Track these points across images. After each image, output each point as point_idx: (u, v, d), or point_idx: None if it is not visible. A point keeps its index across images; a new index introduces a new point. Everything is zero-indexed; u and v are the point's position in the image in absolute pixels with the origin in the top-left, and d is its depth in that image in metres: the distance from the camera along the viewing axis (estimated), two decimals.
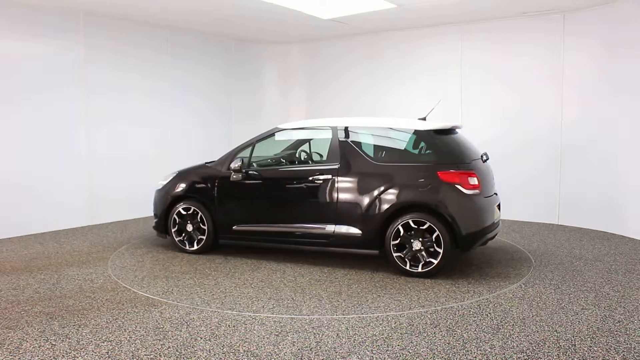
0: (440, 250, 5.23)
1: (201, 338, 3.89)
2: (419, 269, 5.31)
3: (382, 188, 5.47)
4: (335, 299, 4.75)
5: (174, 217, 6.43)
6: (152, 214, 6.80)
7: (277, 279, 5.41)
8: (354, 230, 5.58)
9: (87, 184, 8.15)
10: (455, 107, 8.84)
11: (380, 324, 4.15)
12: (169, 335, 3.95)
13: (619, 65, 7.26)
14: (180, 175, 6.60)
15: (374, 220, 5.47)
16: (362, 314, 4.39)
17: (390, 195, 5.43)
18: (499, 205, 5.89)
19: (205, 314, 4.38)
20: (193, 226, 6.37)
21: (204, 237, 6.31)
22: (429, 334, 3.96)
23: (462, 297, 4.79)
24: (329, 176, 5.71)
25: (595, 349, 3.67)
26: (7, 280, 5.35)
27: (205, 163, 6.67)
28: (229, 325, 4.14)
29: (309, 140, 6.75)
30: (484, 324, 4.15)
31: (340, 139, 5.82)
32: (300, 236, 5.84)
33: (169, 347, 3.73)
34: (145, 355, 3.61)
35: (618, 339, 3.84)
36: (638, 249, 6.56)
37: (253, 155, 6.22)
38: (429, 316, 4.32)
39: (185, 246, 6.43)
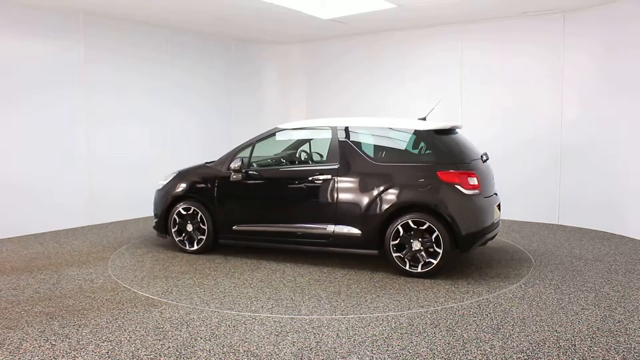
0: (440, 251, 5.23)
1: (201, 338, 3.89)
2: (419, 269, 5.31)
3: (381, 188, 5.47)
4: (334, 299, 4.75)
5: (174, 217, 6.43)
6: (152, 214, 6.80)
7: (276, 279, 5.41)
8: (354, 231, 5.58)
9: (87, 184, 8.15)
10: (455, 107, 8.84)
11: (380, 324, 4.15)
12: (169, 335, 3.95)
13: (619, 65, 7.26)
14: (181, 175, 6.60)
15: (374, 220, 5.47)
16: (362, 314, 4.39)
17: (390, 195, 5.43)
18: (499, 205, 5.89)
19: (205, 314, 4.38)
20: (193, 226, 6.37)
21: (204, 237, 6.31)
22: (429, 334, 3.96)
23: (461, 297, 4.79)
24: (329, 176, 5.71)
25: (595, 349, 3.67)
26: (7, 280, 5.35)
27: (205, 163, 6.67)
28: (228, 325, 4.14)
29: (309, 140, 6.75)
30: (484, 324, 4.15)
31: (340, 139, 5.82)
32: (300, 236, 5.85)
33: (169, 347, 3.73)
34: (145, 355, 3.61)
35: (618, 339, 3.84)
36: (638, 249, 6.56)
37: (253, 155, 6.22)
38: (428, 316, 4.32)
39: (185, 246, 6.43)
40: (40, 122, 7.54)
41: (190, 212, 6.35)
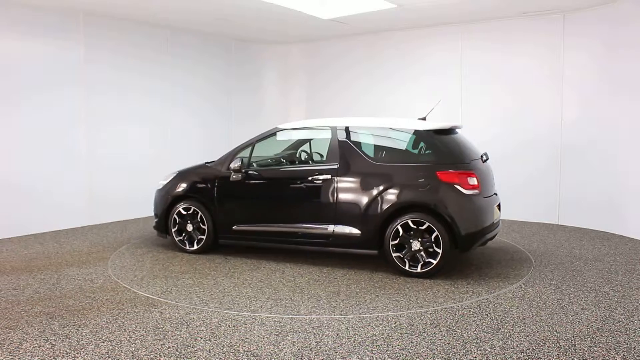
0: (440, 251, 5.23)
1: (201, 338, 3.89)
2: (418, 269, 5.31)
3: (381, 188, 5.47)
4: (334, 299, 4.75)
5: (174, 217, 6.43)
6: (152, 214, 6.80)
7: (276, 279, 5.41)
8: (354, 230, 5.58)
9: (87, 184, 8.15)
10: (455, 107, 8.84)
11: (380, 324, 4.15)
12: (169, 335, 3.95)
13: (619, 65, 7.26)
14: (181, 175, 6.60)
15: (374, 220, 5.47)
16: (361, 314, 4.39)
17: (390, 195, 5.43)
18: (499, 205, 5.89)
19: (204, 314, 4.38)
20: (193, 226, 6.37)
21: (204, 237, 6.31)
22: (429, 334, 3.96)
23: (461, 297, 4.79)
24: (329, 176, 5.71)
25: (595, 349, 3.67)
26: (7, 280, 5.35)
27: (205, 163, 6.67)
28: (228, 325, 4.14)
29: (309, 140, 6.75)
30: (483, 324, 4.15)
31: (340, 139, 5.82)
32: (300, 236, 5.85)
33: (169, 347, 3.73)
34: (145, 355, 3.61)
35: (618, 339, 3.84)
36: (638, 249, 6.56)
37: (253, 155, 6.22)
38: (428, 316, 4.32)
39: (185, 246, 6.43)
40: (40, 122, 7.54)
41: (190, 212, 6.35)
